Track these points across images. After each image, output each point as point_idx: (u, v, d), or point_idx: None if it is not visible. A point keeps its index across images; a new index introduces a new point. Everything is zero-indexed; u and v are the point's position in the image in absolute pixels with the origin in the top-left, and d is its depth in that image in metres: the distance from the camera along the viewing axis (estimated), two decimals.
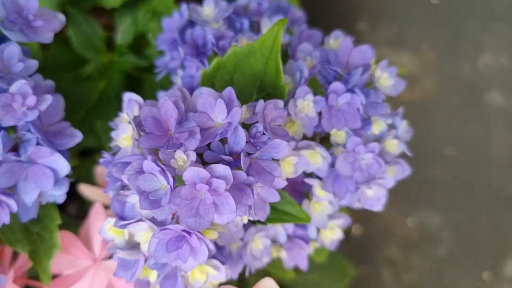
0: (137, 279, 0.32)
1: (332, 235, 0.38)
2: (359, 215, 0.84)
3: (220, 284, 0.37)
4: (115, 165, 0.30)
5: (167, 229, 0.28)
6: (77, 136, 0.33)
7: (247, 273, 0.37)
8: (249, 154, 0.29)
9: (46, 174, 0.32)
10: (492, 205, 0.80)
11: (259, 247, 0.35)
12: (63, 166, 0.32)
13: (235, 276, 0.36)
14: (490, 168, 0.80)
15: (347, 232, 0.83)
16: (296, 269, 0.71)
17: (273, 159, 0.30)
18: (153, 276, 0.31)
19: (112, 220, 0.31)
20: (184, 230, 0.28)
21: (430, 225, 0.83)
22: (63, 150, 0.32)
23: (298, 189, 0.37)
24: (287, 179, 0.37)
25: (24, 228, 0.37)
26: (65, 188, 0.32)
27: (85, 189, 0.43)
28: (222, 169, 0.27)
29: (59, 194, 0.33)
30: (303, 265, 0.39)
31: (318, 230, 0.38)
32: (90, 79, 0.52)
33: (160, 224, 0.29)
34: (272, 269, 0.41)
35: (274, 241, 0.37)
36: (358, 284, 0.81)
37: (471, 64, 0.82)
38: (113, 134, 0.32)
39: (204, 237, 0.28)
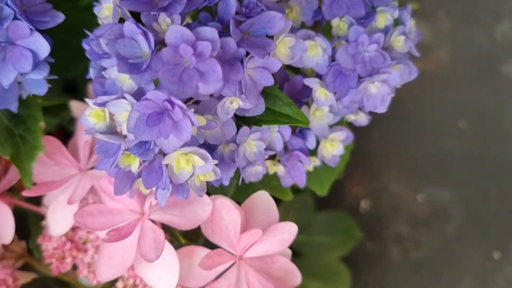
0: (118, 169, 0.29)
1: (333, 149, 0.35)
2: (367, 190, 0.81)
3: (212, 190, 0.34)
4: (95, 39, 0.27)
5: (147, 99, 0.25)
6: (59, 17, 0.30)
7: (240, 182, 0.34)
8: (239, 23, 0.26)
9: (25, 56, 0.29)
10: (504, 181, 0.76)
11: (253, 150, 0.32)
12: (43, 47, 0.29)
13: (226, 181, 0.33)
14: (503, 142, 0.76)
15: (355, 207, 0.80)
16: (301, 230, 0.68)
17: (268, 36, 0.27)
18: (135, 164, 0.29)
19: (92, 102, 0.28)
20: (167, 100, 0.25)
21: (440, 201, 0.79)
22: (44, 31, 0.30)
23: (298, 98, 0.34)
24: (286, 84, 0.34)
25: (7, 130, 0.35)
26: (45, 72, 0.30)
27: (74, 105, 0.41)
28: (208, 31, 0.25)
29: (38, 79, 0.30)
30: (301, 181, 0.36)
31: (318, 143, 0.35)
32: (89, 9, 0.50)
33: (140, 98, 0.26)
34: (269, 191, 0.38)
35: (270, 149, 0.34)
36: (366, 261, 0.78)
37: (488, 33, 0.79)
38: (95, 10, 0.29)
39: (188, 110, 0.25)
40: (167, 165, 0.29)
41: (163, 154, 0.28)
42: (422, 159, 0.79)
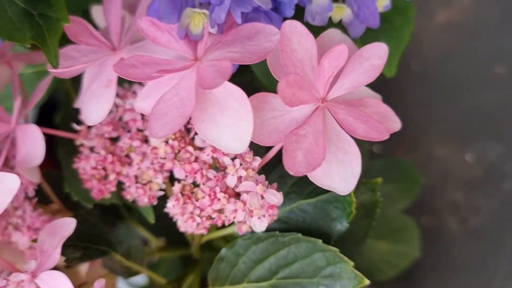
0: None
1: None
2: (412, 161, 0.74)
3: None
4: None
5: None
6: None
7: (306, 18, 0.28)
8: None
9: None
10: None
11: None
12: None
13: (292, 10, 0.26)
14: None
15: None
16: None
17: None
18: None
19: None
20: None
21: (491, 158, 0.71)
22: None
23: None
24: None
25: (24, 13, 0.29)
26: None
27: (95, 11, 0.35)
28: None
29: None
30: (375, 21, 0.29)
31: None
32: None
33: None
34: None
35: None
36: (422, 238, 0.70)
37: None
38: None
39: None
40: None
41: None
42: (463, 115, 0.72)
